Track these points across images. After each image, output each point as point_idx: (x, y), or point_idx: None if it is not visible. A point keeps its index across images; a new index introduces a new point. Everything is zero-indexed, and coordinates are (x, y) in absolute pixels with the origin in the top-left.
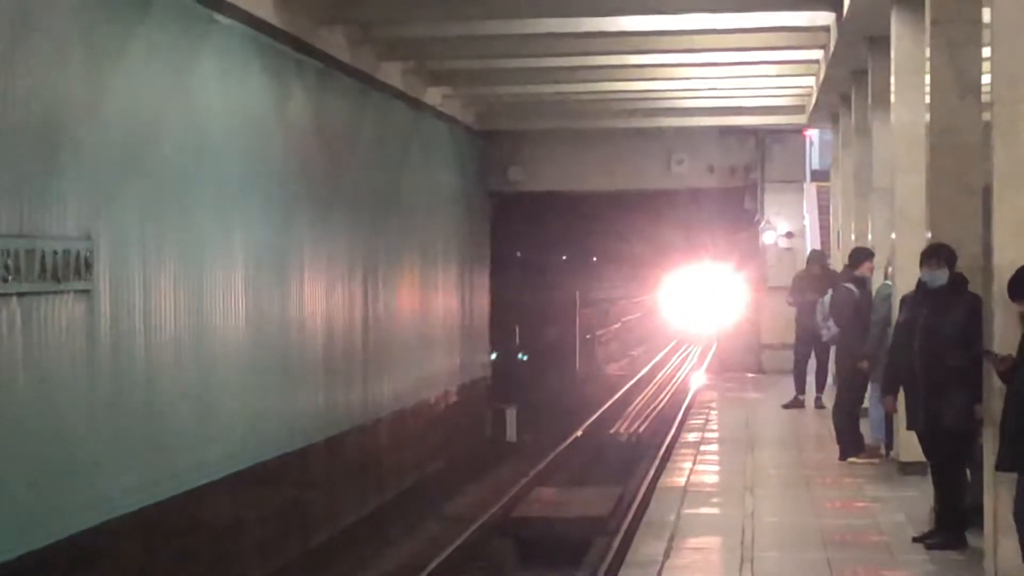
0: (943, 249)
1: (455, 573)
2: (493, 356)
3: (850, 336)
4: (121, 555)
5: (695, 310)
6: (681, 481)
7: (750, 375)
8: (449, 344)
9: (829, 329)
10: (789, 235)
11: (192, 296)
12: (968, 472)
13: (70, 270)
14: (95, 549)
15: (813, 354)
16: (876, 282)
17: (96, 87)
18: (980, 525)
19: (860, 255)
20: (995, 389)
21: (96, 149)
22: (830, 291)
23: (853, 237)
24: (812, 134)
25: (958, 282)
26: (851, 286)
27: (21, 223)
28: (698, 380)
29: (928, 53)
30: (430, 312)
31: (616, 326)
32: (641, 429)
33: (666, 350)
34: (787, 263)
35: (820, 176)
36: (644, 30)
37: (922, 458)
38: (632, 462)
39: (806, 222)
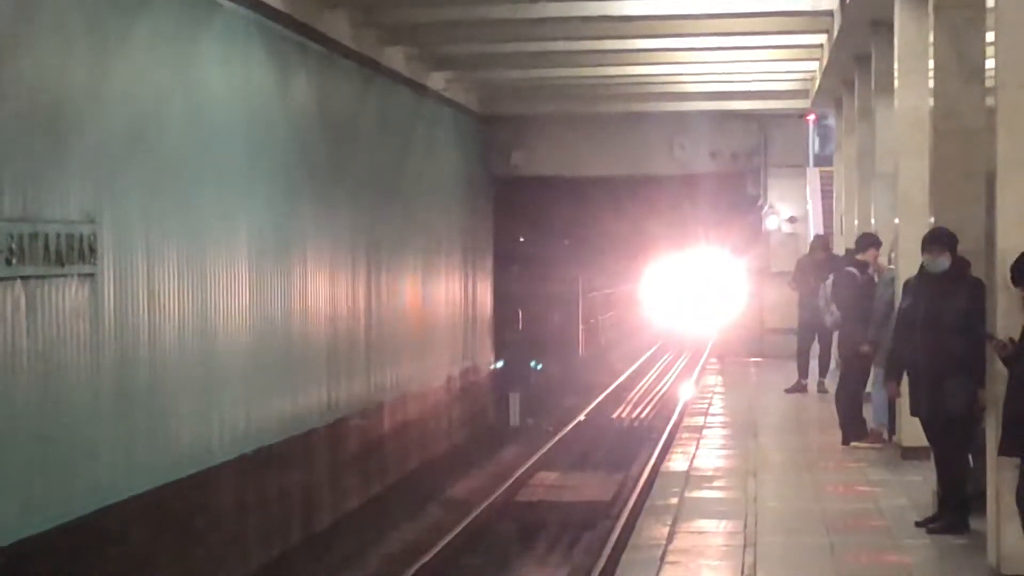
0: (945, 234)
1: (458, 557)
2: (494, 341)
3: (852, 321)
4: (124, 539)
5: (698, 296)
6: (684, 465)
7: (753, 360)
8: (452, 328)
9: (832, 314)
10: (792, 220)
11: (196, 279)
12: (970, 457)
13: (74, 253)
14: (97, 533)
15: (816, 339)
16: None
17: (99, 71)
18: (982, 510)
19: (866, 241)
20: (997, 374)
21: (99, 133)
22: (831, 276)
23: (856, 222)
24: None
25: (960, 267)
26: (853, 270)
27: (25, 207)
28: (702, 366)
29: (932, 38)
30: (433, 296)
31: (613, 313)
32: (644, 414)
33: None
34: (790, 248)
35: (823, 161)
36: (647, 14)
37: (925, 443)
38: (635, 446)
39: (809, 207)
